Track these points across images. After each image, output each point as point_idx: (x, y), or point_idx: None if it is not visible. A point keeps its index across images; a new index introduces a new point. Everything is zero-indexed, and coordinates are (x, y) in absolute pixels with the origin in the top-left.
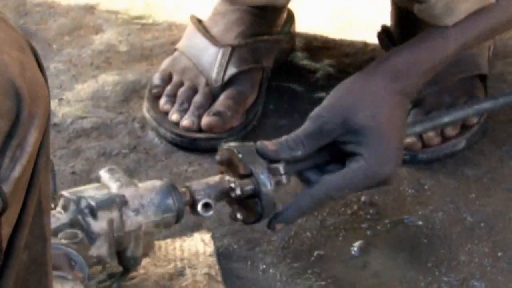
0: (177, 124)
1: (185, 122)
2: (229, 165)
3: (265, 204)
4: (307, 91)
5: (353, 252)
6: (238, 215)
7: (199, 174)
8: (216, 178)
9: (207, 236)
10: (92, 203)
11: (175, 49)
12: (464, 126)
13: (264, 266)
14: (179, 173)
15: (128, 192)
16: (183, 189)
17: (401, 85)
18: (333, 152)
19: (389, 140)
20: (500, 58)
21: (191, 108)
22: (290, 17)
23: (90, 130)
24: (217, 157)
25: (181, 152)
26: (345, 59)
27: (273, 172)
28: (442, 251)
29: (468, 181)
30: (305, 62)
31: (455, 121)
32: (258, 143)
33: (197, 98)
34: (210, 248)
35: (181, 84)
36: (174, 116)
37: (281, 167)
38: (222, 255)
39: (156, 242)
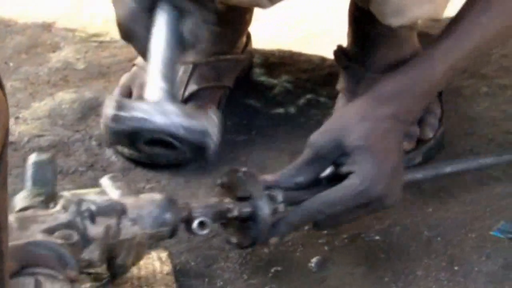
0: None
1: None
2: (229, 188)
3: (261, 228)
4: (265, 107)
5: (311, 268)
6: (233, 239)
7: (156, 191)
8: (215, 199)
9: (164, 255)
10: (93, 207)
11: (133, 65)
12: (420, 141)
13: (221, 283)
14: (137, 190)
15: (128, 202)
16: (182, 206)
17: (391, 109)
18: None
19: (382, 160)
20: None
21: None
22: (248, 37)
23: (47, 148)
24: (219, 181)
25: (139, 169)
26: (302, 74)
27: (272, 199)
28: (399, 265)
29: (425, 195)
30: (263, 78)
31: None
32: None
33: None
34: (168, 267)
35: (140, 99)
36: None
37: (279, 195)
38: (179, 272)
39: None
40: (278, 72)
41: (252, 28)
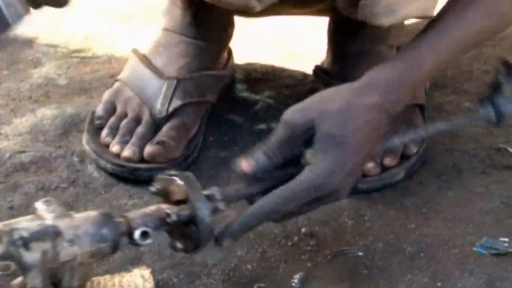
0: (118, 155)
1: (126, 152)
2: (165, 195)
3: (201, 229)
4: (247, 123)
5: (293, 284)
6: (178, 244)
7: (139, 207)
8: (153, 207)
9: (146, 272)
10: (25, 234)
11: (116, 81)
12: (403, 156)
13: None
14: (119, 206)
15: (62, 223)
16: (120, 219)
17: (376, 99)
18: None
19: (349, 153)
20: (439, 89)
21: (133, 138)
22: (229, 53)
23: (28, 164)
24: (152, 188)
25: (121, 185)
26: (285, 90)
27: (210, 198)
28: (382, 281)
29: (408, 211)
30: (245, 94)
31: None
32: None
33: (140, 129)
34: (150, 284)
35: (124, 115)
36: (115, 148)
37: (217, 193)
38: None
39: (95, 278)
40: (260, 87)
41: (234, 45)
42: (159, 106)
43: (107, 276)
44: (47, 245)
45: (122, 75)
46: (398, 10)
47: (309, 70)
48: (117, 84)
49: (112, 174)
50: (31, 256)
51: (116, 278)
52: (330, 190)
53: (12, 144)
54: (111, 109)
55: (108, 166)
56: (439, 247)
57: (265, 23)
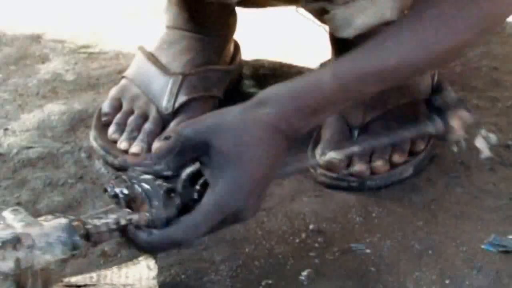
0: (125, 152)
1: (134, 148)
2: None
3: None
4: None
5: (301, 281)
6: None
7: None
8: (112, 207)
9: (152, 262)
10: None
11: (122, 78)
12: (412, 153)
13: None
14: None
15: (33, 231)
16: (76, 223)
17: (268, 115)
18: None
19: (244, 171)
20: None
21: (141, 135)
22: (237, 48)
23: (36, 160)
24: (110, 192)
25: None
26: None
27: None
28: (389, 279)
29: (416, 208)
30: (253, 90)
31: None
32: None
33: (147, 126)
34: (153, 272)
35: (131, 112)
36: (122, 144)
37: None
38: (169, 286)
39: (103, 272)
40: (268, 83)
41: (242, 41)
42: (165, 103)
43: (115, 269)
44: (20, 254)
45: (128, 72)
46: (354, 21)
47: (316, 66)
48: (123, 81)
49: (119, 170)
50: (5, 265)
51: (123, 270)
52: (233, 210)
53: (20, 139)
54: (117, 106)
55: (116, 162)
56: (447, 244)
57: (273, 18)
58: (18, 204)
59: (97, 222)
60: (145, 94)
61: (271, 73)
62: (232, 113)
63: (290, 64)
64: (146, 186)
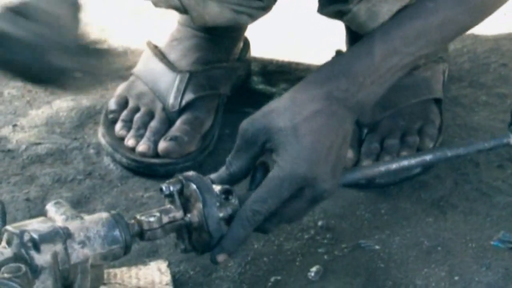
0: (133, 149)
1: (141, 147)
2: (180, 196)
3: (209, 240)
4: None
5: (310, 277)
6: (181, 245)
7: (155, 200)
8: (164, 208)
9: (163, 265)
10: (35, 236)
11: (131, 74)
12: (420, 151)
13: None
14: (135, 199)
15: (72, 225)
16: (132, 221)
17: (323, 90)
18: None
19: (307, 142)
20: (455, 82)
21: (147, 133)
22: (246, 45)
23: (44, 156)
24: (165, 191)
25: (137, 178)
26: None
27: (222, 205)
28: (399, 275)
29: (424, 205)
30: (261, 86)
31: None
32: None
33: (154, 124)
34: (167, 277)
35: (137, 109)
36: (130, 142)
37: (234, 199)
38: (178, 282)
39: (112, 270)
40: (276, 80)
41: (251, 37)
42: (172, 100)
43: (124, 269)
44: (57, 247)
45: (136, 69)
46: (380, 10)
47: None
48: (131, 78)
49: (128, 168)
50: (42, 258)
51: (133, 271)
52: (302, 180)
53: (28, 136)
54: (123, 103)
55: (124, 160)
56: (456, 241)
57: (282, 16)
58: (27, 200)
59: (151, 219)
60: (152, 91)
61: (280, 70)
62: (283, 97)
63: (297, 61)
64: (201, 187)
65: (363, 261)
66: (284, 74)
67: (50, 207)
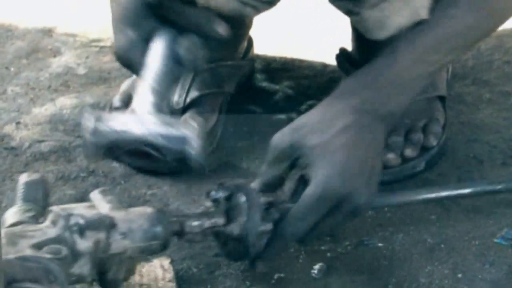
0: None
1: None
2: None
3: (250, 243)
4: (266, 113)
5: (313, 275)
6: (220, 250)
7: (158, 198)
8: (209, 211)
9: (166, 262)
10: (81, 221)
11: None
12: (424, 148)
13: None
14: (138, 196)
15: (118, 215)
16: (173, 219)
17: (352, 102)
18: None
19: (336, 156)
20: (458, 80)
21: None
22: (250, 43)
23: (48, 153)
24: (214, 195)
25: (140, 175)
26: (304, 80)
27: (264, 219)
28: (402, 273)
29: (428, 202)
30: (265, 84)
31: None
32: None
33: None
34: (170, 274)
35: None
36: None
37: (274, 213)
38: (181, 279)
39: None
40: (280, 78)
41: (254, 34)
42: (177, 97)
43: None
44: (101, 235)
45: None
46: (389, 22)
47: (328, 60)
48: (134, 76)
49: (130, 165)
50: (84, 243)
51: (136, 268)
52: (338, 196)
53: (32, 133)
54: (127, 100)
55: (125, 159)
56: (460, 239)
57: (285, 13)
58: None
59: (193, 222)
60: None
61: (283, 67)
62: (312, 112)
63: (301, 58)
64: (248, 197)
65: (366, 258)
66: (288, 72)
67: (95, 195)
